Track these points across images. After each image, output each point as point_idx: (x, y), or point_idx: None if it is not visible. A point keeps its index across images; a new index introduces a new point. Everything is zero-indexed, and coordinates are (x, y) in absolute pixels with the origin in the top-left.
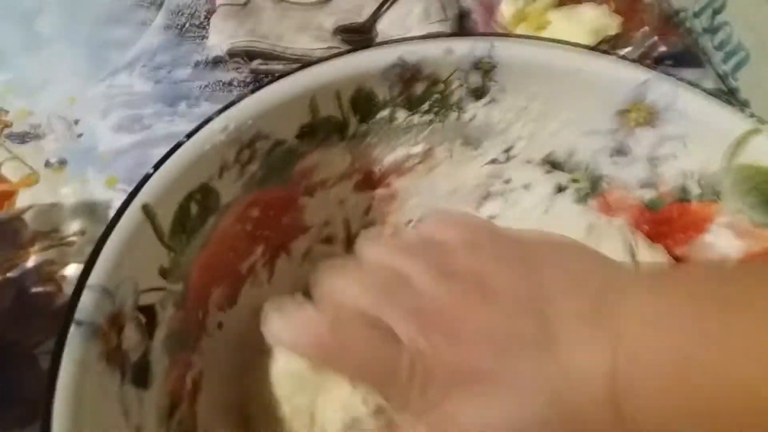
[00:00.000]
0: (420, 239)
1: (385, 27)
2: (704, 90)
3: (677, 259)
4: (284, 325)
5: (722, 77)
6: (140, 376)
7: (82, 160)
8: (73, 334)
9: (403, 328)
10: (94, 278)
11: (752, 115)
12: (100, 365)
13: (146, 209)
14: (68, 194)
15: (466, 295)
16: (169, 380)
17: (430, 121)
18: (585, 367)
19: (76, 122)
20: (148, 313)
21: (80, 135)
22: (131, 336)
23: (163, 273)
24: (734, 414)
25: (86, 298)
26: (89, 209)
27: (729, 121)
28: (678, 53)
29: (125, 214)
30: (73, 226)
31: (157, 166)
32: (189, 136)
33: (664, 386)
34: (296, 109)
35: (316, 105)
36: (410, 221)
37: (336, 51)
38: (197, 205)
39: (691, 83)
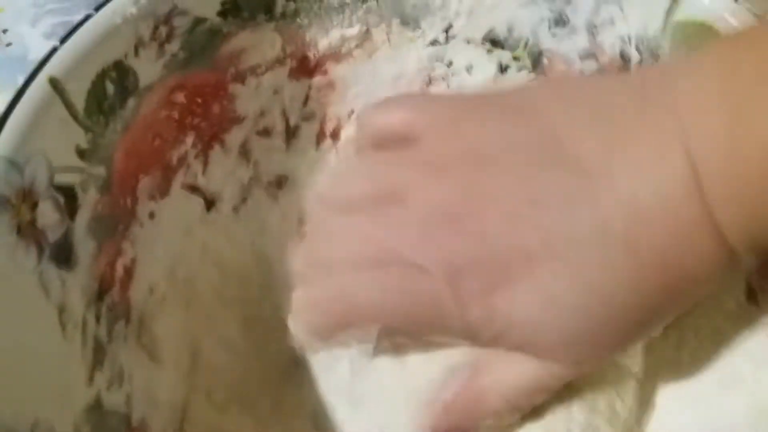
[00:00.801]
0: (373, 143)
1: None
2: None
3: None
4: (298, 324)
5: None
6: (62, 256)
7: (12, 68)
8: None
9: (420, 255)
10: None
11: None
12: (11, 238)
13: (54, 83)
14: None
15: (463, 178)
16: (96, 265)
17: None
18: (654, 185)
19: (5, 31)
20: (67, 193)
21: (9, 44)
22: (47, 214)
23: (81, 154)
24: None
25: None
26: None
27: None
28: None
29: (31, 87)
30: None
31: (63, 40)
32: (97, 9)
33: (761, 184)
34: None
35: None
36: (352, 111)
37: None
38: (113, 84)
39: None
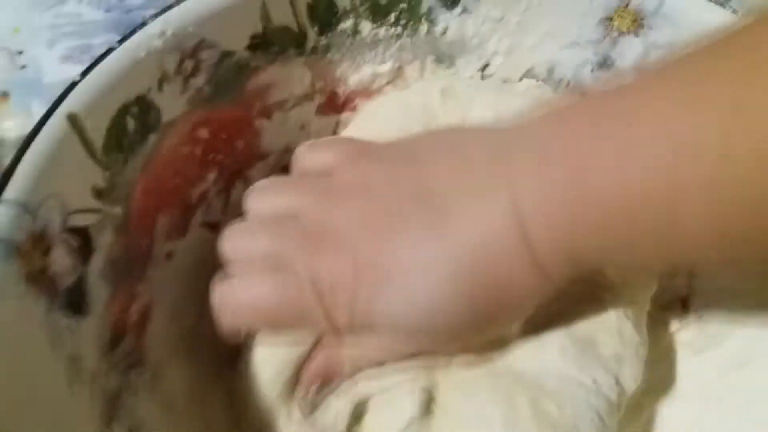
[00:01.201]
0: (298, 174)
1: None
2: None
3: None
4: (216, 296)
5: None
6: (74, 303)
7: (27, 92)
8: None
9: (297, 259)
10: (11, 192)
11: (744, 13)
12: (19, 288)
13: (72, 119)
14: (11, 128)
15: (348, 203)
16: (111, 310)
17: (398, 35)
18: (485, 222)
19: (20, 53)
20: (82, 236)
21: (24, 66)
22: (60, 259)
23: (98, 194)
24: (645, 209)
25: (2, 214)
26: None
27: (720, 23)
28: None
29: (48, 124)
30: None
31: (84, 74)
32: (121, 41)
33: (570, 203)
34: (245, 16)
35: (267, 12)
36: None
37: None
38: (134, 119)
39: None
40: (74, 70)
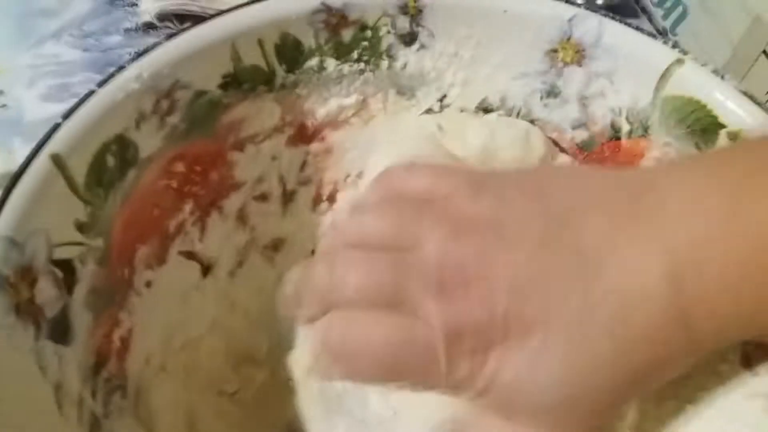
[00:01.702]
0: (392, 195)
1: None
2: (629, 24)
3: None
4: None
5: (662, 32)
6: (59, 332)
7: (8, 130)
8: None
9: (424, 304)
10: (0, 228)
11: (675, 46)
12: (8, 318)
13: (56, 159)
14: None
15: (485, 246)
16: (93, 338)
17: (362, 71)
18: (639, 281)
19: (1, 93)
20: (65, 268)
21: (4, 105)
22: (46, 290)
23: (80, 227)
24: None
25: None
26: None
27: (654, 54)
28: (615, 6)
29: (33, 164)
30: None
31: (66, 116)
32: (100, 84)
33: (733, 273)
34: (216, 57)
35: (237, 53)
36: (348, 175)
37: None
38: (114, 157)
39: (616, 17)
40: (54, 108)
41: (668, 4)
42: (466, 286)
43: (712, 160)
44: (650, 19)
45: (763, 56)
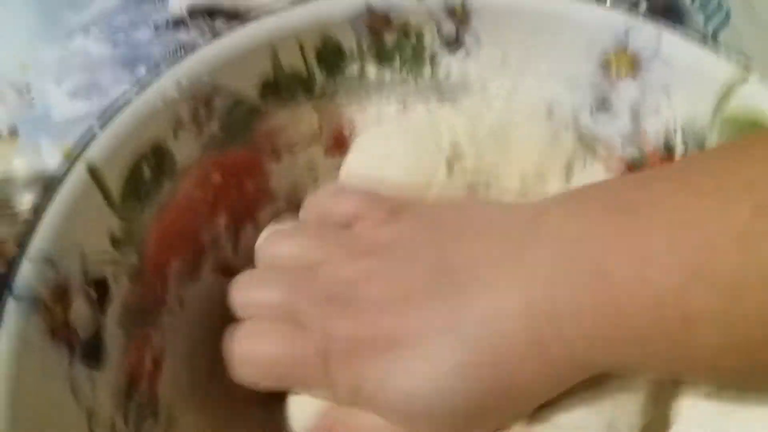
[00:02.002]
0: (316, 220)
1: None
2: (689, 35)
3: None
4: (228, 357)
5: (705, 38)
6: (92, 354)
7: (35, 128)
8: (12, 308)
9: (308, 315)
10: (35, 247)
11: (739, 61)
12: (43, 342)
13: (93, 171)
14: (20, 165)
15: (370, 264)
16: (125, 360)
17: (403, 78)
18: (499, 305)
19: (28, 88)
20: (100, 286)
21: (33, 102)
22: (80, 311)
23: (115, 242)
24: (658, 327)
25: (26, 270)
26: (43, 181)
27: (714, 69)
28: (659, 11)
29: (69, 177)
30: (26, 199)
31: (103, 125)
32: (138, 92)
33: (583, 304)
34: (256, 63)
35: (277, 58)
36: None
37: None
38: (150, 168)
39: (676, 29)
40: (82, 106)
41: (710, 10)
42: (348, 302)
43: (578, 202)
44: (692, 24)
45: None
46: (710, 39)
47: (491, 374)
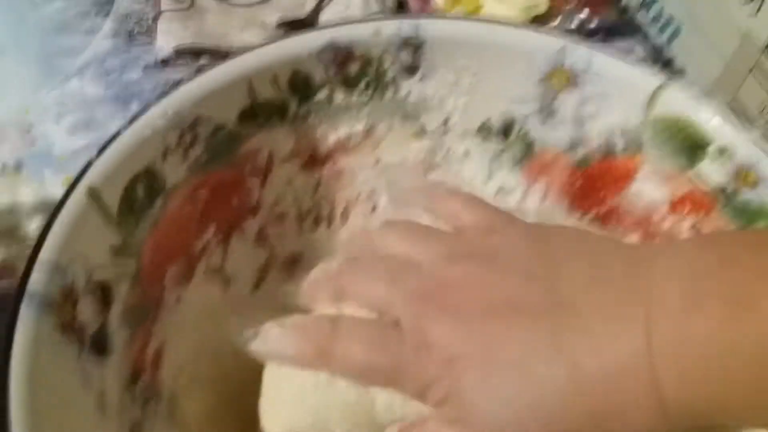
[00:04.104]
0: (431, 223)
1: (327, 19)
2: (614, 53)
3: (608, 212)
4: (282, 337)
5: (658, 50)
6: (99, 346)
7: (39, 162)
8: (26, 307)
9: (407, 314)
10: (44, 254)
11: (660, 71)
12: (55, 336)
13: (91, 192)
14: (27, 194)
15: (474, 271)
16: (130, 351)
17: (369, 100)
18: (615, 355)
19: (30, 129)
20: (103, 288)
21: (35, 140)
22: (87, 309)
23: (115, 251)
24: None
25: (38, 273)
26: (48, 208)
27: (641, 79)
28: (610, 26)
29: (71, 197)
30: (33, 224)
31: (100, 152)
32: (130, 122)
33: (710, 357)
34: (234, 94)
35: (253, 89)
36: (359, 194)
37: None
38: (143, 187)
39: (601, 47)
40: (81, 141)
41: (662, 22)
42: (445, 302)
43: (719, 252)
44: (646, 37)
45: (754, 71)
46: (665, 49)
47: (596, 405)
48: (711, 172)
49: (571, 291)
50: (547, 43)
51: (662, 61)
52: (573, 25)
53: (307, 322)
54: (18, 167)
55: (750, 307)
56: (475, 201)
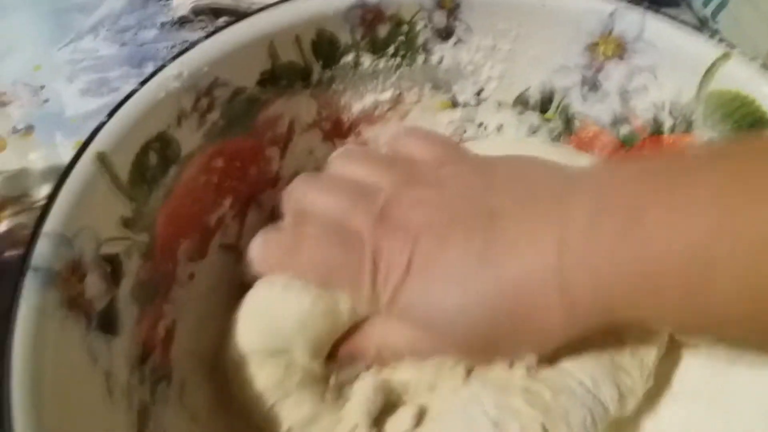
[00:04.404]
0: (390, 154)
1: None
2: (672, 18)
3: None
4: (257, 248)
5: (703, 21)
6: (108, 323)
7: (50, 125)
8: (30, 280)
9: (365, 229)
10: (49, 225)
11: (721, 41)
12: (61, 312)
13: (101, 157)
14: (37, 159)
15: (423, 196)
16: (140, 329)
17: (397, 66)
18: (530, 258)
19: (42, 88)
20: (113, 262)
21: (46, 101)
22: (95, 284)
23: (126, 223)
24: (682, 274)
25: (42, 245)
26: (59, 174)
27: (698, 49)
28: None
29: (79, 163)
30: (43, 191)
31: (110, 115)
32: (143, 83)
33: (613, 258)
34: (254, 55)
35: (275, 50)
36: None
37: None
38: (156, 154)
39: (658, 10)
40: (93, 103)
41: None
42: (393, 221)
43: (620, 166)
44: (690, 7)
45: None
46: (709, 21)
47: (514, 307)
48: None
49: (502, 210)
50: (596, 5)
51: (707, 34)
52: None
53: (279, 231)
54: (29, 130)
55: (637, 220)
56: (431, 137)
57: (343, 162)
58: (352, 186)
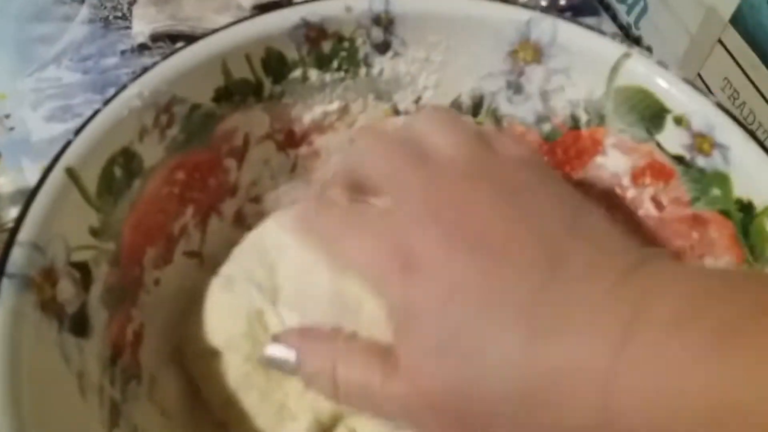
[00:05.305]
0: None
1: None
2: (580, 24)
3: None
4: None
5: (626, 28)
6: (79, 326)
7: (16, 151)
8: (6, 285)
9: (403, 203)
10: (23, 235)
11: (623, 41)
12: (35, 314)
13: (70, 172)
14: (5, 183)
15: (489, 195)
16: (109, 332)
17: (342, 79)
18: (589, 336)
19: (8, 117)
20: (82, 269)
21: (12, 128)
22: (66, 289)
23: (94, 232)
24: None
25: (17, 253)
26: (26, 196)
27: (603, 50)
28: (580, 4)
29: (50, 178)
30: (11, 213)
31: (77, 132)
32: (106, 103)
33: (659, 398)
34: (209, 73)
35: (227, 68)
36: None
37: None
38: (121, 168)
39: (568, 19)
40: (58, 128)
41: (630, 0)
42: (443, 213)
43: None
44: (614, 16)
45: (718, 46)
46: (632, 27)
47: (540, 396)
48: (670, 141)
49: (571, 254)
50: (514, 15)
51: (631, 40)
52: (544, 3)
53: (305, 201)
54: None
55: (733, 343)
56: (458, 128)
57: (413, 123)
58: (414, 149)
